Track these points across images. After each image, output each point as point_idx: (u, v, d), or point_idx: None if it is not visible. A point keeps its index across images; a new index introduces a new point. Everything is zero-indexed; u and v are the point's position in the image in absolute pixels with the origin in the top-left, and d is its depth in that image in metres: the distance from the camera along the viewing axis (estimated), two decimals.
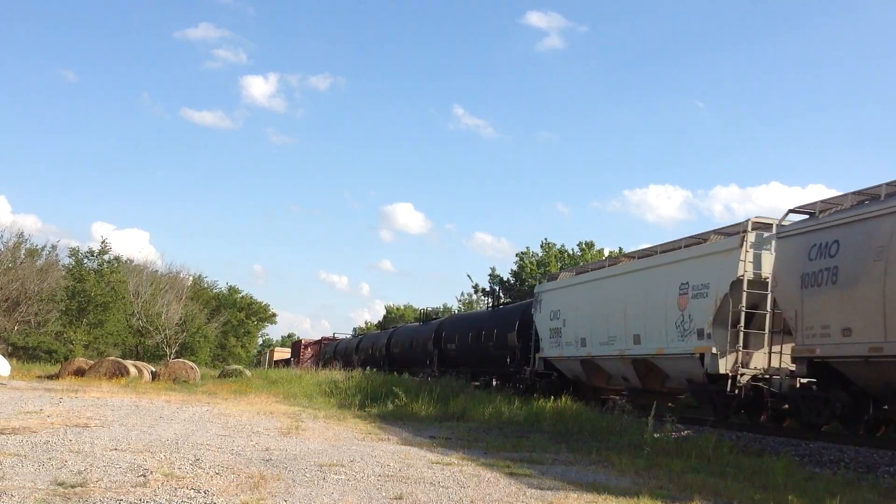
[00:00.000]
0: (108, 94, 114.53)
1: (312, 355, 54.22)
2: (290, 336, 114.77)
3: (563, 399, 16.52)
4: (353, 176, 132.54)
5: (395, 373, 29.87)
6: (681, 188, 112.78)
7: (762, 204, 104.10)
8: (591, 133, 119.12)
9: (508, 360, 24.08)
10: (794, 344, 12.87)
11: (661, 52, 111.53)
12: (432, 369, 30.16)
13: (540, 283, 23.98)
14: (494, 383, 26.59)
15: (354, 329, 74.46)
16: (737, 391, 14.18)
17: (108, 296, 43.08)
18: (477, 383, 26.71)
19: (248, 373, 30.45)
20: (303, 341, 60.58)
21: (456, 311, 49.24)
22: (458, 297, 62.74)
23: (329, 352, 50.54)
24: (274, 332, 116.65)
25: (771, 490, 8.12)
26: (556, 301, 21.08)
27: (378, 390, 20.50)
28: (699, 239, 16.27)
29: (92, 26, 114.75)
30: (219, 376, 29.39)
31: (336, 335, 60.31)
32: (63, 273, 46.50)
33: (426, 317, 39.58)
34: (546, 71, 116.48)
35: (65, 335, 41.74)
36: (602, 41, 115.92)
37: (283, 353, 70.07)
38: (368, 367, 31.36)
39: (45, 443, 8.82)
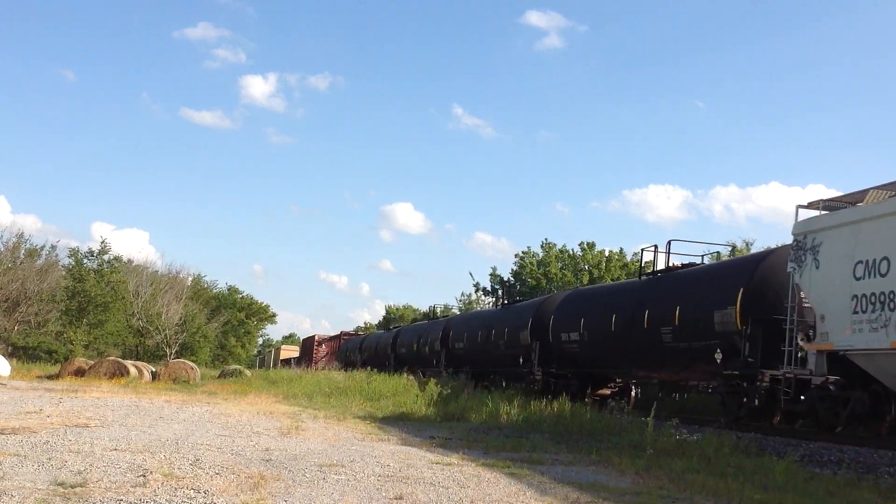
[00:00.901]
0: (107, 94, 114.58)
1: (328, 354, 48.20)
2: (290, 336, 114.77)
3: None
4: (353, 176, 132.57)
5: (466, 378, 23.29)
6: (680, 188, 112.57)
7: (762, 204, 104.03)
8: (591, 133, 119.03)
9: (719, 355, 14.83)
10: None
11: (661, 52, 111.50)
12: (531, 373, 21.09)
13: (805, 212, 13.87)
14: (634, 393, 18.97)
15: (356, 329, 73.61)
16: None
17: (108, 296, 43.11)
18: (611, 391, 19.28)
19: (248, 373, 30.48)
20: (316, 337, 53.57)
21: (458, 312, 41.73)
22: (459, 297, 62.56)
23: (351, 349, 43.54)
24: (274, 332, 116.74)
25: (771, 490, 8.12)
26: (875, 242, 11.74)
27: (378, 390, 20.52)
28: None
29: (91, 26, 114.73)
30: (219, 376, 29.41)
31: (358, 330, 54.06)
32: (63, 273, 46.53)
33: (509, 294, 27.59)
34: (546, 71, 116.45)
35: (65, 335, 41.77)
36: (602, 41, 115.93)
37: (290, 352, 66.30)
38: (424, 372, 24.95)
39: (45, 443, 8.82)
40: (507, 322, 24.16)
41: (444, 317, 37.03)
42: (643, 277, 19.42)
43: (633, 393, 19.04)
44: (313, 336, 54.60)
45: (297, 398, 19.18)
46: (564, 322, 20.61)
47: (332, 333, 54.95)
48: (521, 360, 21.50)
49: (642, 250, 18.27)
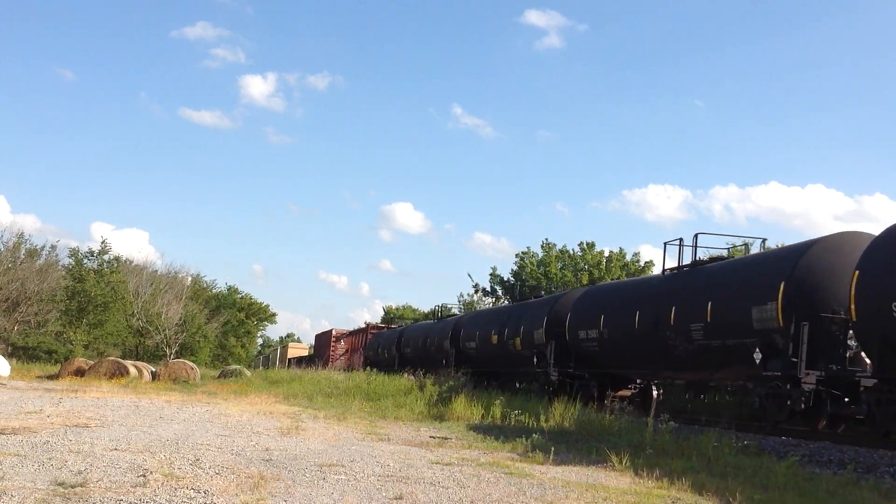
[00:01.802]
0: (106, 94, 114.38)
1: (347, 351, 42.01)
2: (289, 336, 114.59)
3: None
4: (352, 176, 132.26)
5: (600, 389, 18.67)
6: (680, 188, 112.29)
7: (762, 204, 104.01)
8: (591, 133, 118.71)
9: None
10: None
11: (660, 52, 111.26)
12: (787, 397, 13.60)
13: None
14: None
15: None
16: None
17: (108, 296, 43.16)
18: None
19: (248, 373, 30.51)
20: (333, 332, 45.44)
21: (458, 313, 35.16)
22: (459, 298, 62.42)
23: (385, 346, 35.43)
24: (274, 331, 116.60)
25: (771, 490, 8.12)
26: None
27: (378, 390, 20.51)
28: None
29: (90, 25, 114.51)
30: (219, 376, 29.45)
31: (390, 324, 44.12)
32: (63, 273, 46.58)
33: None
34: (545, 70, 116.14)
35: (65, 335, 41.82)
36: (602, 40, 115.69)
37: (298, 350, 63.36)
38: (522, 380, 19.25)
39: (45, 443, 8.82)
40: (682, 291, 17.00)
41: (544, 294, 28.86)
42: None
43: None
44: (330, 331, 46.34)
45: (298, 398, 19.19)
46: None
47: (377, 323, 46.35)
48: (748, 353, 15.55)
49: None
